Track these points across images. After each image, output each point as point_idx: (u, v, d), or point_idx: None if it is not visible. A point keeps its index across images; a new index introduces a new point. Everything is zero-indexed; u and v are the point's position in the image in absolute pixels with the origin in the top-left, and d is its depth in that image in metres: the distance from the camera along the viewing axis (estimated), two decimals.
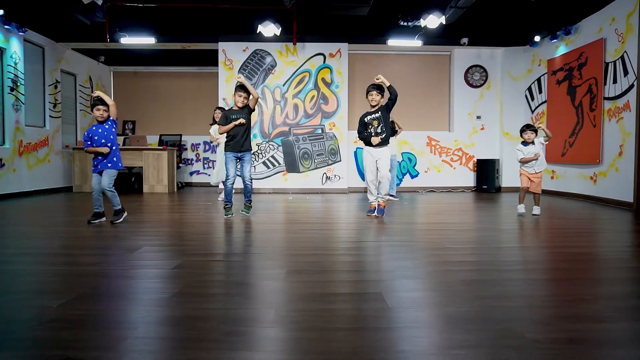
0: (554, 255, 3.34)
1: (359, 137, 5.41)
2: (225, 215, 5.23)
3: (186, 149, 11.08)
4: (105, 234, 4.15)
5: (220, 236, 4.14)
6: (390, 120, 7.27)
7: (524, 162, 5.54)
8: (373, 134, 5.21)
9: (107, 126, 4.78)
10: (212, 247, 3.64)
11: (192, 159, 10.98)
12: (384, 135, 5.22)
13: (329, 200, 7.65)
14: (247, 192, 5.35)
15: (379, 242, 3.85)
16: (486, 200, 7.65)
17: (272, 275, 2.71)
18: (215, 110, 7.17)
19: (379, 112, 5.23)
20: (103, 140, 4.74)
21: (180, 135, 10.64)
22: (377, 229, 4.45)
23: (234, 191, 5.44)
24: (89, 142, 4.72)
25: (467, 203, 7.30)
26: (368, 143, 5.26)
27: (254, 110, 5.35)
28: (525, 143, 5.59)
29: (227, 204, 5.31)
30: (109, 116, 4.79)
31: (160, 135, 10.60)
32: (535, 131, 5.58)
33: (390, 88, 5.17)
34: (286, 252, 3.37)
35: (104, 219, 4.81)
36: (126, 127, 11.25)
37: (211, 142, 7.21)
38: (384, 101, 5.29)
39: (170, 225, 4.74)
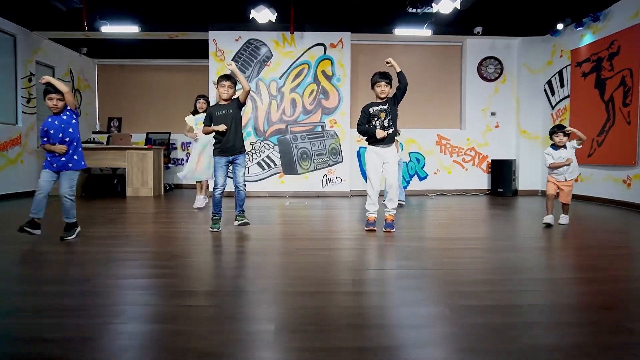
0: (616, 294, 2.57)
1: (358, 129, 4.58)
2: (211, 227, 4.46)
3: (176, 148, 10.29)
4: (54, 256, 3.38)
5: (197, 260, 3.36)
6: None
7: (553, 168, 4.79)
8: (378, 127, 4.43)
9: (64, 117, 3.99)
10: (182, 279, 2.87)
11: (181, 159, 10.20)
12: (391, 131, 4.45)
13: (330, 205, 6.88)
14: (240, 200, 4.58)
15: (390, 270, 3.08)
16: (503, 206, 6.88)
17: (256, 335, 1.94)
18: (197, 98, 6.34)
19: (387, 104, 4.47)
20: (60, 135, 3.94)
21: (169, 133, 9.86)
22: (385, 250, 3.69)
23: (222, 200, 4.65)
24: (45, 139, 3.92)
25: (483, 210, 6.53)
26: (370, 138, 4.48)
27: (244, 104, 4.57)
28: (555, 147, 4.84)
29: (215, 216, 4.54)
30: (65, 106, 3.99)
31: (147, 133, 9.82)
32: (568, 134, 4.83)
33: (400, 75, 4.40)
34: (278, 289, 2.60)
35: (38, 231, 3.95)
36: (112, 124, 10.47)
37: (187, 134, 6.36)
38: (391, 92, 4.52)
39: (142, 242, 3.97)
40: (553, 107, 8.26)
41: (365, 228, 4.47)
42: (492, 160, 8.54)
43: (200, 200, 6.33)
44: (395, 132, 4.52)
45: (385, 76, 4.41)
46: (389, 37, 8.48)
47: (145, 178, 8.25)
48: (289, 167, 8.25)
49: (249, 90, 4.51)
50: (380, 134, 4.37)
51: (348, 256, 3.45)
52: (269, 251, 3.59)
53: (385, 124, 4.43)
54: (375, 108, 4.47)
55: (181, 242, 3.99)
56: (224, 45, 8.16)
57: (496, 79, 8.70)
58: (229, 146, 4.47)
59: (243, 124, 8.12)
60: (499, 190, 8.32)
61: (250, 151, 8.21)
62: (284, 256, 3.42)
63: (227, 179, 4.58)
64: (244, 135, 4.65)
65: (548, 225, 4.72)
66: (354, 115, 8.55)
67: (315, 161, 8.25)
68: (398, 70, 4.39)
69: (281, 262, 3.24)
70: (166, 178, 10.09)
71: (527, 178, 8.56)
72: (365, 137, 4.55)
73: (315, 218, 5.63)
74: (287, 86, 8.23)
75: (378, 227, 4.46)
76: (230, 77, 4.47)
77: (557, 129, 4.85)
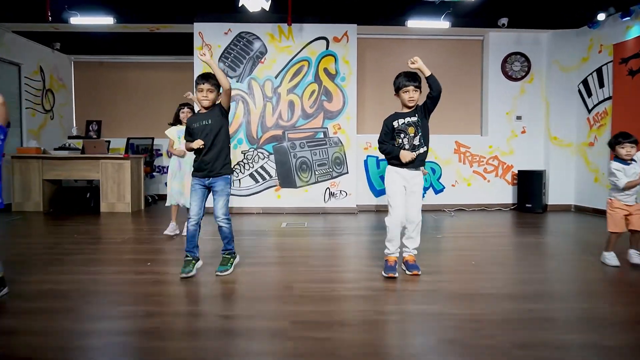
0: None
1: (379, 148, 3.59)
2: (182, 272, 3.45)
3: (161, 155, 9.25)
4: None
5: (146, 350, 2.32)
6: None
7: (629, 188, 3.75)
8: (406, 146, 3.42)
9: None
10: None
11: (167, 167, 9.12)
12: (422, 151, 3.46)
13: (334, 228, 5.83)
14: (224, 238, 3.58)
15: None
16: (535, 228, 5.84)
17: None
18: (180, 107, 5.29)
19: (416, 115, 3.45)
20: None
21: (153, 138, 8.80)
22: (416, 326, 2.64)
23: (198, 234, 3.61)
24: None
25: (516, 235, 5.48)
26: (394, 160, 3.48)
27: (228, 110, 3.54)
28: (622, 160, 3.79)
29: (187, 256, 3.55)
30: None
31: (128, 139, 8.76)
32: (636, 142, 3.80)
33: (431, 80, 3.38)
34: None
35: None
36: (90, 128, 9.40)
37: (171, 150, 5.23)
38: (420, 99, 3.52)
39: (80, 304, 2.92)
40: (590, 111, 7.19)
41: (384, 274, 3.44)
42: (518, 171, 7.47)
43: (172, 227, 5.26)
44: (426, 154, 3.50)
45: (414, 78, 3.41)
46: (400, 30, 7.41)
47: (122, 192, 7.21)
48: (286, 179, 7.19)
49: (230, 90, 3.47)
50: (405, 156, 3.37)
51: (361, 345, 2.38)
52: (251, 326, 2.55)
53: (416, 142, 3.43)
54: (401, 121, 3.46)
55: (135, 302, 2.95)
56: (211, 39, 7.09)
57: (522, 77, 7.64)
58: (205, 166, 3.48)
59: (233, 130, 7.10)
60: (527, 205, 7.26)
61: (242, 161, 7.16)
62: (272, 340, 2.37)
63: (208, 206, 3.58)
64: (229, 150, 3.60)
65: (614, 266, 3.72)
66: (361, 120, 7.53)
67: (316, 172, 7.19)
68: (427, 74, 3.37)
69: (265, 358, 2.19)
70: (149, 189, 9.07)
71: (558, 191, 7.50)
72: (388, 156, 3.55)
73: (317, 251, 4.57)
74: (284, 86, 7.16)
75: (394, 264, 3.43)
76: (209, 78, 3.44)
77: (623, 138, 3.79)
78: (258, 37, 7.12)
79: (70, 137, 9.13)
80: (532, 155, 7.64)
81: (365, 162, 7.54)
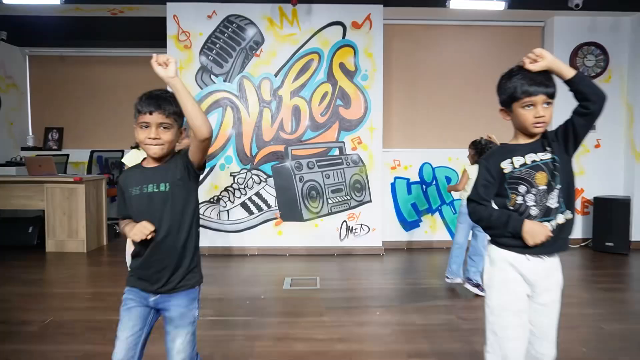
0: None
1: (472, 212, 1.79)
2: None
3: None
4: None
5: None
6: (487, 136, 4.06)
7: None
8: (533, 211, 1.70)
9: None
10: None
11: None
12: (563, 220, 1.72)
13: (356, 292, 4.09)
14: None
15: None
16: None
17: None
18: None
19: (548, 151, 1.73)
20: None
21: (123, 151, 7.08)
22: None
23: None
24: None
25: (622, 309, 3.73)
26: (506, 238, 1.73)
27: (203, 168, 1.77)
28: None
29: None
30: None
31: (92, 152, 7.04)
32: None
33: (581, 81, 1.70)
34: None
35: None
36: (49, 137, 7.72)
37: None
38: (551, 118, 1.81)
39: None
40: None
41: None
42: (594, 198, 5.72)
43: None
44: (573, 223, 1.75)
45: (545, 82, 1.70)
46: (440, 13, 5.65)
47: (73, 226, 5.50)
48: (290, 210, 5.46)
49: (210, 138, 1.69)
50: (535, 233, 1.67)
51: None
52: None
53: (551, 201, 1.71)
54: (519, 161, 1.74)
55: None
56: (190, 24, 5.35)
57: (598, 75, 5.88)
58: (152, 275, 1.71)
59: (219, 144, 5.37)
60: (607, 244, 5.51)
61: (232, 186, 5.43)
62: None
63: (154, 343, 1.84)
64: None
65: None
66: (388, 131, 5.80)
67: (329, 201, 5.46)
68: (570, 74, 1.67)
69: None
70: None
71: None
72: (492, 232, 1.80)
73: (337, 357, 2.84)
74: (287, 87, 5.43)
75: None
76: (164, 102, 1.71)
77: None
78: (252, 22, 5.37)
79: (24, 149, 7.46)
80: (609, 176, 5.89)
81: (393, 185, 5.81)
